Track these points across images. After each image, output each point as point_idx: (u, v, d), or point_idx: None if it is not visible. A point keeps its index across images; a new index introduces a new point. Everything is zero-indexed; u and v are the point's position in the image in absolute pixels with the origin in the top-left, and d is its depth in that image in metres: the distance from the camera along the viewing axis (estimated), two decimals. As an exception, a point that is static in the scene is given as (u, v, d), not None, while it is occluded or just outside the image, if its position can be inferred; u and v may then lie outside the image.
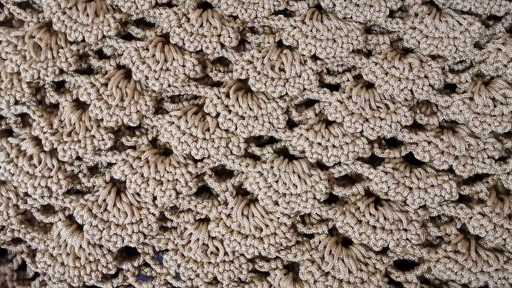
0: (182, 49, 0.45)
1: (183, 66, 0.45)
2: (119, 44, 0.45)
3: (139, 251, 0.45)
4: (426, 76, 0.44)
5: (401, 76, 0.44)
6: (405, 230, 0.43)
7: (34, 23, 0.45)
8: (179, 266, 0.44)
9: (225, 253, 0.44)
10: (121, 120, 0.44)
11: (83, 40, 0.45)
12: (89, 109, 0.44)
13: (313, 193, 0.43)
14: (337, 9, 0.45)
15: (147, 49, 0.45)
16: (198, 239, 0.44)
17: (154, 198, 0.44)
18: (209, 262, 0.44)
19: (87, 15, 0.45)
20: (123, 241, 0.44)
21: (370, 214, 0.43)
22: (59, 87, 0.46)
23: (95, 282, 0.44)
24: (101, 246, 0.44)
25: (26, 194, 0.44)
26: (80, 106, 0.45)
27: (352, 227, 0.43)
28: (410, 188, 0.43)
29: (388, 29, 0.46)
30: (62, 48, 0.45)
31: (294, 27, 0.45)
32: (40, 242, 0.44)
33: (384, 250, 0.44)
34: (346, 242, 0.45)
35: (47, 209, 0.46)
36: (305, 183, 0.43)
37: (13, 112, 0.45)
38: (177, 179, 0.44)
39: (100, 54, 0.47)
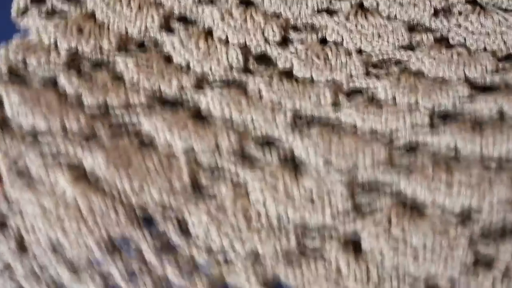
0: (225, 44, 0.45)
1: (227, 55, 0.44)
2: (162, 38, 0.45)
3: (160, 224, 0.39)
4: (478, 62, 0.43)
5: (451, 65, 0.43)
6: None
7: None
8: (208, 231, 0.37)
9: (269, 221, 0.38)
10: None
11: (126, 33, 0.45)
12: None
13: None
14: (380, 8, 0.46)
15: (190, 38, 0.44)
16: (236, 200, 0.38)
17: None
18: (249, 228, 0.37)
19: (131, 8, 0.45)
20: None
21: None
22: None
23: None
24: None
25: None
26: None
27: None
28: None
29: (432, 28, 0.46)
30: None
31: (338, 23, 0.45)
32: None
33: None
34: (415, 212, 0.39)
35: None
36: None
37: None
38: None
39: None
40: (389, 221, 0.38)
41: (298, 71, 0.44)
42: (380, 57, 0.45)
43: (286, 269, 0.37)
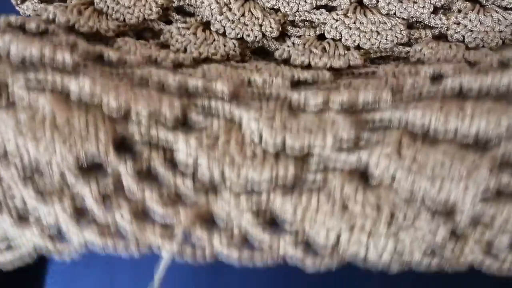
0: (223, 35, 0.45)
1: (224, 45, 0.44)
2: (160, 27, 0.45)
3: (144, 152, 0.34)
4: (479, 51, 0.43)
5: (449, 51, 0.43)
6: None
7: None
8: (197, 157, 0.33)
9: (264, 149, 0.33)
10: None
11: (124, 21, 0.44)
12: None
13: None
14: (380, 5, 0.45)
15: (188, 29, 0.44)
16: (230, 130, 0.34)
17: None
18: (242, 154, 0.33)
19: (130, -2, 0.45)
20: None
21: None
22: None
23: None
24: None
25: None
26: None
27: None
28: None
29: (431, 25, 0.46)
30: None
31: (337, 20, 0.45)
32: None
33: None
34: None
35: None
36: None
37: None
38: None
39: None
40: (400, 143, 0.32)
41: (296, 60, 0.43)
42: (378, 54, 0.45)
43: (283, 200, 0.32)
